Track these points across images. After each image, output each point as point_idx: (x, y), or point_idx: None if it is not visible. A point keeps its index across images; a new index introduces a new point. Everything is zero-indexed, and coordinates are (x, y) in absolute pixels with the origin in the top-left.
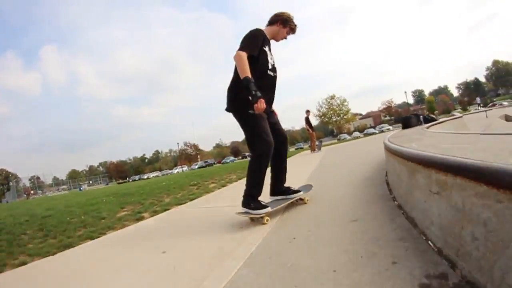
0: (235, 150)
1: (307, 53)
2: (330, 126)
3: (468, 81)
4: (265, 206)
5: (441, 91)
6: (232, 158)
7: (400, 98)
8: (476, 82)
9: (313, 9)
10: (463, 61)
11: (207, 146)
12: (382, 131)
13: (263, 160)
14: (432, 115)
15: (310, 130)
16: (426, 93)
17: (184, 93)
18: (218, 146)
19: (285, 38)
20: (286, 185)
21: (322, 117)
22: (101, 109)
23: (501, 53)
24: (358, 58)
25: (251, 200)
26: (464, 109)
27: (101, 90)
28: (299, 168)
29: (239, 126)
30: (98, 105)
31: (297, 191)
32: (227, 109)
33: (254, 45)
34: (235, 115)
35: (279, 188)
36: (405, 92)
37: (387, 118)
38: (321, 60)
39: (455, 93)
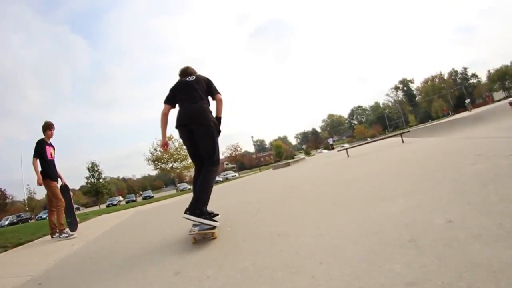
0: None
1: (160, 97)
2: (172, 174)
3: (305, 131)
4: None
5: (281, 140)
6: None
7: (242, 147)
8: (314, 131)
9: (170, 57)
10: (301, 115)
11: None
12: (227, 179)
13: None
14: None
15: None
16: (267, 142)
17: (19, 121)
18: None
19: None
20: None
21: (156, 162)
22: None
23: (334, 108)
24: None
25: (205, 210)
26: (308, 153)
27: None
28: None
29: (203, 137)
30: None
31: (216, 214)
32: (200, 123)
33: None
34: (205, 128)
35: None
36: (252, 136)
37: (230, 165)
38: None
39: (294, 141)
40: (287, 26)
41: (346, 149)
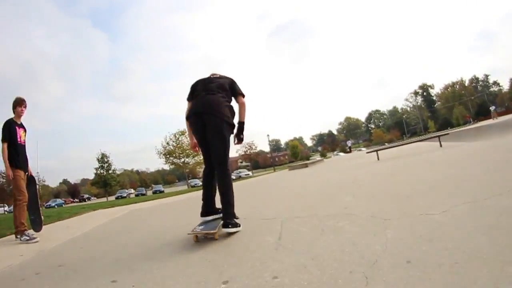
0: (72, 191)
1: (178, 94)
2: (184, 170)
3: (321, 133)
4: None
5: (297, 141)
6: (59, 201)
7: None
8: (330, 134)
9: (188, 54)
10: (317, 117)
11: (53, 181)
12: (240, 177)
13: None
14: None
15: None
16: (282, 142)
17: (39, 112)
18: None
19: None
20: None
21: (168, 156)
22: None
23: (351, 111)
24: None
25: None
26: (323, 155)
27: None
28: None
29: (214, 129)
30: None
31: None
32: (213, 113)
33: None
34: (218, 120)
35: (212, 208)
36: (268, 135)
37: (244, 164)
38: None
39: (309, 143)
40: (307, 26)
41: (376, 151)
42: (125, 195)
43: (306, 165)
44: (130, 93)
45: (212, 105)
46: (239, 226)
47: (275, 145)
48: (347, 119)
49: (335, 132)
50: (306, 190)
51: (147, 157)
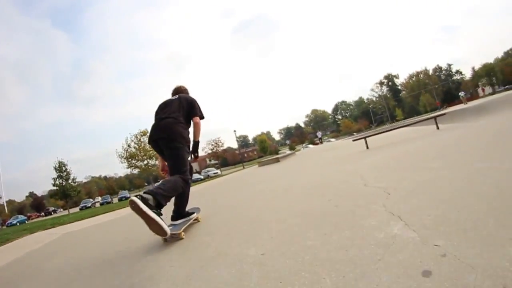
0: (36, 204)
1: (144, 93)
2: (154, 173)
3: (288, 126)
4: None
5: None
6: (21, 217)
7: (225, 143)
8: (297, 127)
9: (154, 52)
10: (284, 111)
11: (20, 195)
12: (208, 176)
13: (184, 184)
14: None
15: None
16: (250, 138)
17: (1, 121)
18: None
19: None
20: None
21: (130, 159)
22: None
23: (318, 103)
24: None
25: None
26: (292, 148)
27: None
28: None
29: (168, 151)
30: None
31: (192, 213)
32: (163, 137)
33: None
34: (170, 142)
35: (181, 212)
36: (235, 131)
37: (213, 162)
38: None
39: (277, 137)
40: (271, 21)
41: (365, 137)
42: (89, 205)
43: (277, 160)
44: (95, 95)
45: (165, 130)
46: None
47: (243, 141)
48: (314, 111)
49: (302, 125)
50: (284, 197)
51: (116, 161)
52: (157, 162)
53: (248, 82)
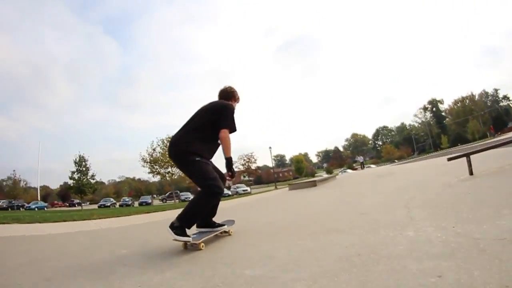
0: (62, 194)
1: (185, 105)
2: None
3: (327, 149)
4: (187, 235)
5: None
6: (41, 203)
7: (260, 161)
8: (336, 150)
9: (197, 66)
10: (323, 133)
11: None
12: (237, 193)
13: (211, 199)
14: None
15: None
16: (287, 158)
17: (45, 112)
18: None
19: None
20: None
21: (152, 164)
22: None
23: (358, 127)
24: None
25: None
26: (329, 172)
27: None
28: None
29: (181, 167)
30: None
31: (222, 225)
32: (171, 155)
33: (234, 123)
34: (178, 158)
35: (208, 221)
36: (270, 147)
37: (246, 178)
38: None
39: (314, 159)
40: (315, 41)
41: (468, 155)
42: (109, 204)
43: (314, 183)
44: (138, 101)
45: (171, 149)
46: (182, 236)
47: (280, 161)
48: (354, 135)
49: (341, 149)
50: None
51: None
52: (175, 170)
53: (289, 101)
